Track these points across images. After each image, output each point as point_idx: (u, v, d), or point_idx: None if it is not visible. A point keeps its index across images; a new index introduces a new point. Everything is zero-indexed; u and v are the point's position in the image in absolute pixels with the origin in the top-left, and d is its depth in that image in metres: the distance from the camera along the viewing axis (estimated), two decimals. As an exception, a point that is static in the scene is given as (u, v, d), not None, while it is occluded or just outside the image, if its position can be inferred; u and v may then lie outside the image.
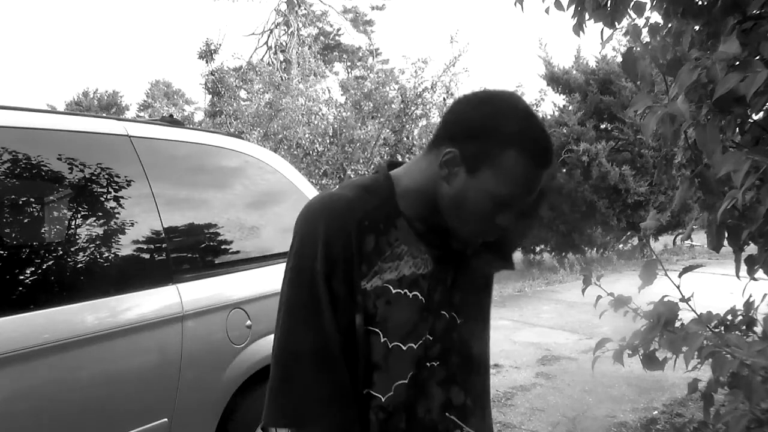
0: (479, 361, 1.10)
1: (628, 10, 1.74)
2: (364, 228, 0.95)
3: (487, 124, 0.94)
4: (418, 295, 0.98)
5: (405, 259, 0.98)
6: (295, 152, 8.40)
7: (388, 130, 8.41)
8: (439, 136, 0.99)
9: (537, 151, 0.94)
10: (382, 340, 0.95)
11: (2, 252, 1.79)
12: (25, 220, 1.94)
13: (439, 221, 1.00)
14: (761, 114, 1.63)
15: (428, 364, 0.99)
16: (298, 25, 19.97)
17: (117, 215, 2.08)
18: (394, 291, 0.96)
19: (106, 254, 2.04)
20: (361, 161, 8.24)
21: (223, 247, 2.49)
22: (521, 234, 1.12)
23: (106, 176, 2.09)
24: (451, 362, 1.03)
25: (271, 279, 2.53)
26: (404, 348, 0.96)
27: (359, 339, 0.95)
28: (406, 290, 0.97)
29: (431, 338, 1.00)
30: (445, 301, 1.02)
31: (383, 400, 0.96)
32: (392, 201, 1.00)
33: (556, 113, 12.54)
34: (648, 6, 1.75)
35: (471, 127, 0.95)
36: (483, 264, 1.09)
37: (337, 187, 1.03)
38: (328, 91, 11.78)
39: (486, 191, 0.93)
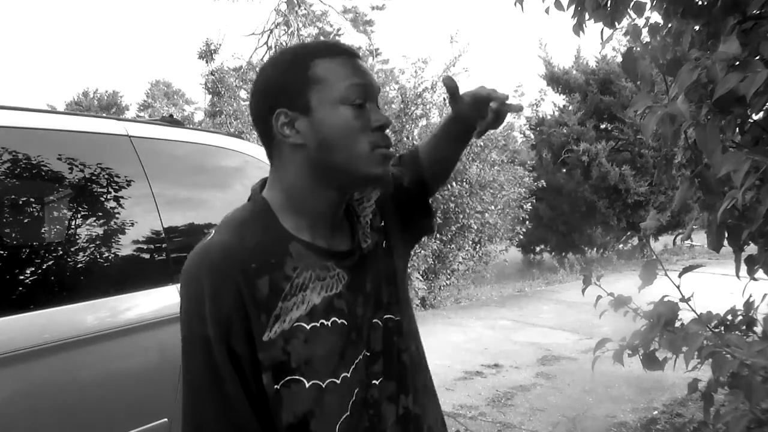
0: (421, 356, 1.02)
1: (628, 10, 1.74)
2: (252, 272, 0.82)
3: (279, 70, 0.89)
4: (337, 319, 0.87)
5: (311, 286, 0.86)
6: (295, 152, 8.40)
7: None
8: (259, 128, 0.91)
9: (328, 46, 0.90)
10: (309, 384, 0.84)
11: (2, 252, 1.79)
12: (25, 220, 1.94)
13: (333, 202, 0.90)
14: (761, 114, 1.63)
15: (373, 382, 0.90)
16: (298, 25, 19.96)
17: (117, 215, 2.08)
18: (308, 326, 0.84)
19: (106, 254, 2.04)
20: (361, 161, 8.23)
21: (223, 247, 2.49)
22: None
23: (106, 176, 2.09)
24: (396, 371, 0.94)
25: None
26: (338, 381, 0.86)
27: (271, 399, 0.82)
28: (322, 320, 0.86)
29: (369, 354, 0.90)
30: (373, 307, 0.93)
31: None
32: (276, 226, 0.88)
33: (556, 113, 12.55)
34: (648, 6, 1.76)
35: (270, 86, 0.89)
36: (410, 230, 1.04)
37: (213, 230, 0.89)
38: (328, 91, 11.76)
39: (333, 107, 0.85)
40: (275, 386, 0.82)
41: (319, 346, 0.85)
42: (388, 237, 1.00)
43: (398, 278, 0.99)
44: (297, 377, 0.83)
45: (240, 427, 0.81)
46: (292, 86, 0.86)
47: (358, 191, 0.98)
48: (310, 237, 0.89)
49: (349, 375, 0.87)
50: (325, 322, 0.86)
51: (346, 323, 0.88)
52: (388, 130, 0.91)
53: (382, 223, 1.01)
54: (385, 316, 0.94)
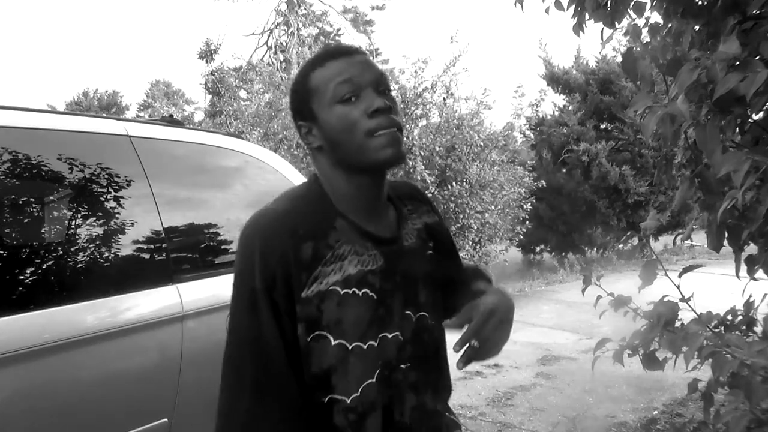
0: (445, 361, 1.10)
1: (628, 10, 1.74)
2: (299, 237, 0.94)
3: (293, 88, 1.04)
4: (368, 292, 0.97)
5: (349, 259, 0.97)
6: (295, 152, 8.39)
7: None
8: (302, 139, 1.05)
9: (320, 55, 1.01)
10: (335, 343, 0.94)
11: (2, 252, 1.79)
12: (25, 220, 1.94)
13: (365, 187, 1.00)
14: (761, 114, 1.63)
15: (401, 366, 0.99)
16: (298, 25, 19.96)
17: (117, 215, 2.08)
18: (342, 292, 0.95)
19: (106, 254, 2.04)
20: (361, 161, 8.23)
21: (223, 247, 2.49)
22: None
23: (106, 176, 2.09)
24: (423, 366, 1.03)
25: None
26: (365, 347, 0.96)
27: (303, 349, 0.94)
28: (354, 289, 0.96)
29: (401, 338, 1.00)
30: (406, 298, 1.01)
31: (348, 401, 0.95)
32: (327, 204, 1.00)
33: (556, 113, 12.55)
34: (648, 6, 1.76)
35: (291, 102, 1.05)
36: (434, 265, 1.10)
37: (271, 201, 1.02)
38: (328, 91, 11.75)
39: (329, 108, 0.96)
40: (307, 338, 0.94)
41: (349, 311, 0.95)
42: (435, 250, 1.10)
43: (439, 286, 1.08)
44: (325, 334, 0.94)
45: (273, 368, 0.92)
46: (301, 100, 1.01)
47: (380, 173, 1.03)
48: (355, 218, 1.00)
49: (376, 345, 0.97)
50: (357, 292, 0.96)
51: (375, 297, 0.98)
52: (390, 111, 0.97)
53: (431, 242, 1.10)
54: (420, 313, 1.03)
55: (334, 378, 0.95)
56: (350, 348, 0.95)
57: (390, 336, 0.98)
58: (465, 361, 0.98)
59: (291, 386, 0.93)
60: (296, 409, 0.94)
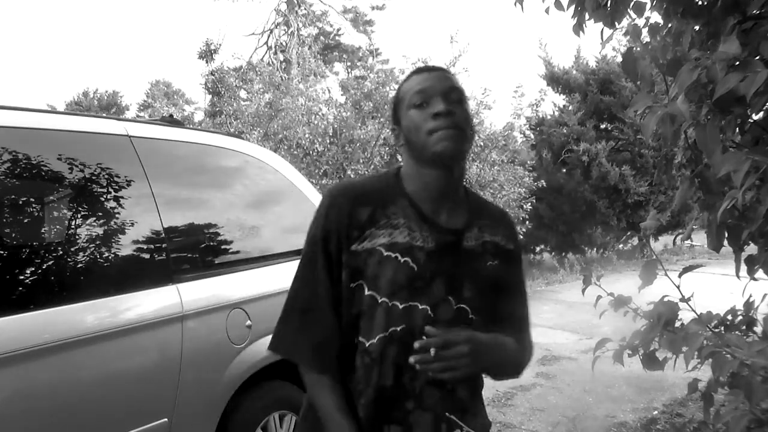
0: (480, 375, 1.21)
1: (628, 10, 1.74)
2: (359, 201, 1.14)
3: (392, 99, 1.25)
4: (410, 261, 1.12)
5: (401, 230, 1.14)
6: (295, 152, 8.39)
7: (388, 130, 8.40)
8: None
9: (411, 73, 1.22)
10: (367, 293, 1.11)
11: (2, 252, 1.79)
12: (25, 220, 1.94)
13: (432, 179, 1.15)
14: (761, 114, 1.63)
15: (424, 338, 1.08)
16: (298, 25, 19.94)
17: (117, 215, 2.08)
18: (385, 253, 1.12)
19: (106, 254, 2.04)
20: (361, 161, 8.22)
21: (223, 247, 2.49)
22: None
23: (106, 176, 2.09)
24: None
25: (271, 279, 2.53)
26: (390, 304, 1.10)
27: (344, 292, 1.13)
28: (397, 254, 1.12)
29: (432, 315, 1.11)
30: (450, 287, 1.13)
31: (367, 345, 1.12)
32: (397, 184, 1.18)
33: (556, 113, 12.54)
34: (648, 6, 1.76)
35: (390, 111, 1.25)
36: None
37: None
38: (328, 91, 11.77)
39: (407, 112, 1.16)
40: (350, 284, 1.13)
41: (386, 271, 1.11)
42: (498, 265, 1.20)
43: (492, 295, 1.18)
44: (363, 284, 1.12)
45: (317, 300, 1.14)
46: (393, 108, 1.22)
47: (444, 168, 1.16)
48: (419, 203, 1.16)
49: (400, 307, 1.10)
50: (399, 258, 1.12)
51: (415, 269, 1.12)
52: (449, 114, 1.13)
53: (496, 260, 1.20)
54: (460, 305, 1.14)
55: (361, 322, 1.12)
56: (379, 301, 1.10)
57: (420, 307, 1.11)
58: (415, 360, 1.06)
59: (329, 317, 1.13)
60: (330, 335, 1.13)
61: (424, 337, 1.06)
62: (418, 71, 1.20)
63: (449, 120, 1.11)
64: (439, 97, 1.13)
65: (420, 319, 1.10)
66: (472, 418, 1.17)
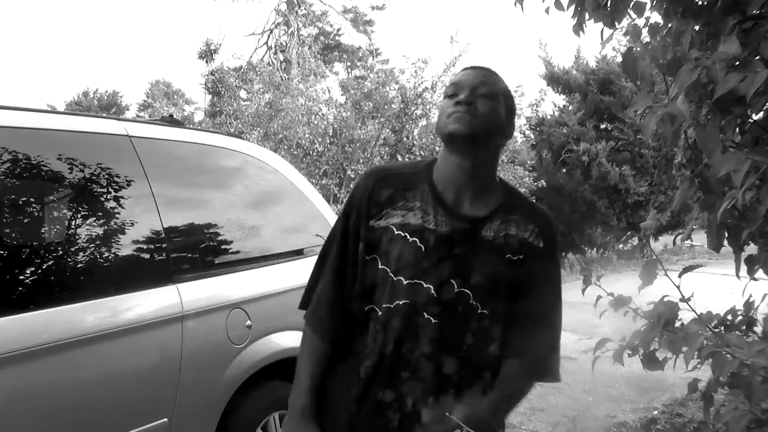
0: (488, 360, 1.23)
1: (628, 10, 1.73)
2: (382, 183, 1.26)
3: None
4: (418, 241, 1.21)
5: (415, 212, 1.23)
6: (295, 152, 8.38)
7: (388, 130, 8.40)
8: None
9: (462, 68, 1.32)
10: (380, 267, 1.23)
11: (2, 252, 1.79)
12: (25, 220, 1.94)
13: (455, 166, 1.23)
14: (761, 114, 1.63)
15: (424, 314, 1.19)
16: (298, 25, 19.93)
17: (117, 215, 2.08)
18: (396, 232, 1.22)
19: (106, 254, 2.04)
20: (361, 161, 8.23)
21: (223, 247, 2.49)
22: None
23: (106, 176, 2.09)
24: (447, 333, 1.19)
25: (271, 279, 2.53)
26: (395, 279, 1.20)
27: (361, 263, 1.25)
28: (407, 234, 1.21)
29: (434, 294, 1.19)
30: (456, 271, 1.20)
31: (379, 314, 1.23)
32: (426, 173, 1.27)
33: (556, 113, 12.55)
34: (648, 6, 1.75)
35: None
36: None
37: None
38: (328, 91, 11.77)
39: (443, 99, 1.28)
40: (365, 257, 1.25)
41: (395, 248, 1.22)
42: (523, 260, 1.23)
43: (507, 289, 1.22)
44: (377, 257, 1.24)
45: (338, 277, 1.28)
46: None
47: (463, 155, 1.23)
48: (441, 189, 1.24)
49: (404, 283, 1.20)
50: (408, 237, 1.21)
51: (422, 249, 1.20)
52: (469, 100, 1.21)
53: (518, 255, 1.23)
54: (463, 289, 1.20)
55: (376, 292, 1.23)
56: (388, 275, 1.22)
57: (425, 285, 1.19)
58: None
59: (330, 283, 1.28)
60: (327, 299, 1.29)
61: (425, 314, 1.19)
62: (463, 68, 1.29)
63: (467, 107, 1.19)
64: (467, 89, 1.21)
65: (423, 297, 1.19)
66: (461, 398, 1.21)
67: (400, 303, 1.20)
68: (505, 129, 1.25)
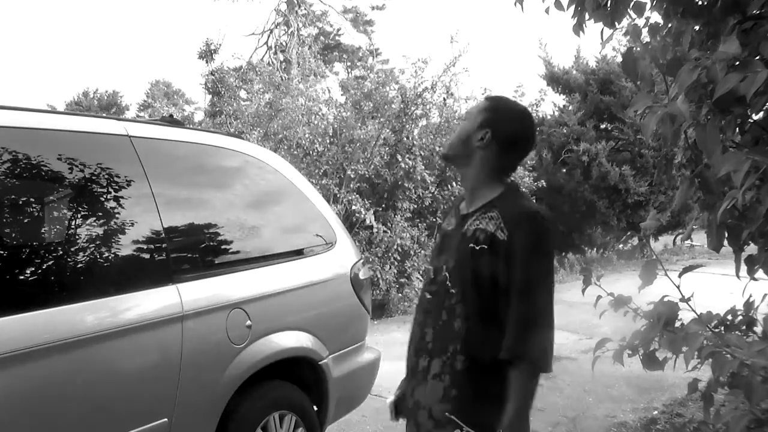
0: (452, 334, 1.44)
1: (628, 10, 1.73)
2: (453, 204, 1.73)
3: None
4: (438, 239, 1.63)
5: (448, 220, 1.61)
6: (295, 152, 8.37)
7: (388, 130, 8.38)
8: None
9: None
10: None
11: (2, 252, 1.79)
12: (25, 220, 1.94)
13: (462, 177, 1.64)
14: (761, 114, 1.63)
15: (426, 293, 1.56)
16: (298, 25, 19.91)
17: (117, 215, 2.08)
18: (441, 234, 1.62)
19: (106, 254, 2.04)
20: (361, 161, 8.21)
21: (223, 247, 2.49)
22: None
23: (106, 176, 2.09)
24: (432, 310, 1.50)
25: (271, 279, 2.53)
26: (423, 267, 1.61)
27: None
28: (439, 235, 1.65)
29: (432, 276, 1.54)
30: (445, 258, 1.51)
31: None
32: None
33: (556, 113, 12.53)
34: (648, 6, 1.75)
35: None
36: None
37: None
38: (328, 91, 11.74)
39: None
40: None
41: (435, 245, 1.65)
42: (486, 250, 1.43)
43: (472, 276, 1.43)
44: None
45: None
46: None
47: (458, 169, 1.69)
48: (462, 199, 1.59)
49: (427, 267, 1.61)
50: (438, 238, 1.66)
51: (439, 245, 1.60)
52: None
53: (484, 245, 1.43)
54: (445, 273, 1.49)
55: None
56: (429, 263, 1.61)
57: (432, 269, 1.55)
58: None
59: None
60: None
61: (427, 293, 1.55)
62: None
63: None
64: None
65: (427, 278, 1.58)
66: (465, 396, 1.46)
67: (426, 292, 1.56)
68: (471, 139, 1.48)
